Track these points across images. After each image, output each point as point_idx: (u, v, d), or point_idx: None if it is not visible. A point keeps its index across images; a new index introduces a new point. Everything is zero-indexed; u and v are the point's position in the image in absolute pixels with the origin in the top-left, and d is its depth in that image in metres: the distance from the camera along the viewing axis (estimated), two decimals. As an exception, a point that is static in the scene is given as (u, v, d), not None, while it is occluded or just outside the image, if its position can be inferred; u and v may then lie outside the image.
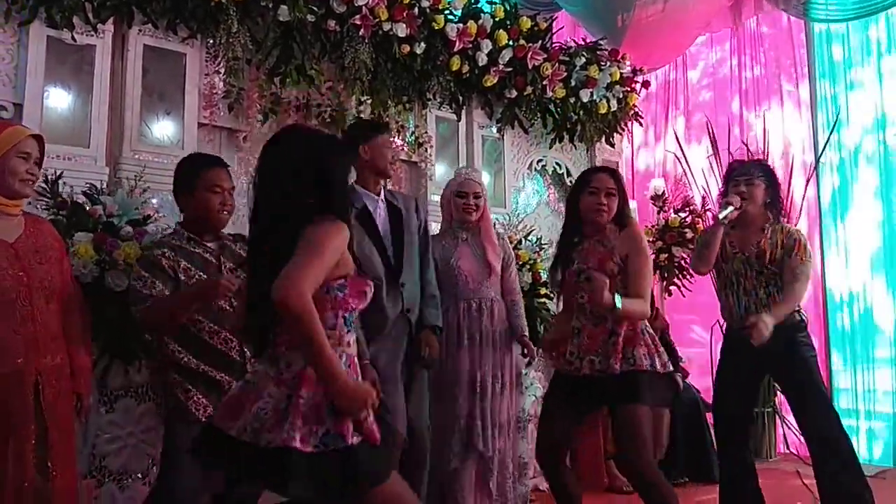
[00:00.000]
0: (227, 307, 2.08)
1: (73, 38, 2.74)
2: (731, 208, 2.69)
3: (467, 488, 2.75)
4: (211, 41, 3.09)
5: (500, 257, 2.96)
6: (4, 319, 1.82)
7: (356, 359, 1.68)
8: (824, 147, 4.49)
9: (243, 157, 3.35)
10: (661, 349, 2.36)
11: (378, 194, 2.68)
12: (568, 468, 2.51)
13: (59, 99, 2.76)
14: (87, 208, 2.51)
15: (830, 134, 4.48)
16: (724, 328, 2.95)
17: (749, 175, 2.80)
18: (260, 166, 1.67)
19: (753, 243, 2.74)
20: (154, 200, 2.78)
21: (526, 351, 2.92)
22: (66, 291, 1.99)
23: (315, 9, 3.18)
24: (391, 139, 2.77)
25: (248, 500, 2.09)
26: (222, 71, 3.13)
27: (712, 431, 4.19)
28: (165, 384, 2.11)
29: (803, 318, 2.73)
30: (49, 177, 2.45)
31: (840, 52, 4.62)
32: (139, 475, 2.49)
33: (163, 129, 3.00)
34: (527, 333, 2.98)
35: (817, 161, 4.52)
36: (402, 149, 3.74)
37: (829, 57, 4.68)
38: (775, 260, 2.70)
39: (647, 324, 2.37)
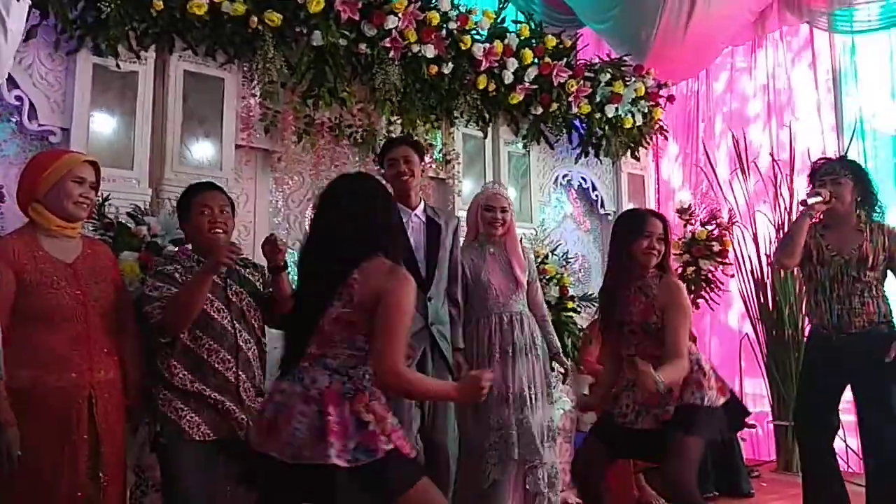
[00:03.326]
0: (229, 327, 2.14)
1: (117, 65, 2.86)
2: (819, 198, 2.63)
3: (508, 500, 2.78)
4: (247, 66, 3.21)
5: (526, 271, 3.01)
6: (62, 336, 1.92)
7: None
8: (844, 156, 4.47)
9: (279, 178, 3.47)
10: (711, 380, 2.36)
11: (412, 207, 2.77)
12: (604, 485, 2.55)
13: (104, 123, 2.89)
14: (132, 228, 2.63)
15: (849, 145, 4.48)
16: (808, 334, 2.94)
17: (835, 173, 2.72)
18: (329, 208, 1.80)
19: (854, 245, 2.66)
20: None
21: (562, 369, 2.99)
22: (120, 310, 2.09)
23: (347, 33, 3.29)
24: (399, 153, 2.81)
25: None
26: (258, 94, 3.25)
27: (742, 445, 4.23)
28: (155, 405, 2.12)
29: None
30: (96, 199, 2.57)
31: (864, 62, 4.62)
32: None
33: (202, 150, 3.12)
34: (560, 350, 3.05)
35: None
36: (430, 166, 3.84)
37: (853, 68, 4.68)
38: (877, 265, 2.64)
39: (695, 353, 2.39)
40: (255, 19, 3.03)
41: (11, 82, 2.71)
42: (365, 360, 1.70)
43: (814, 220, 2.72)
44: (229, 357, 2.13)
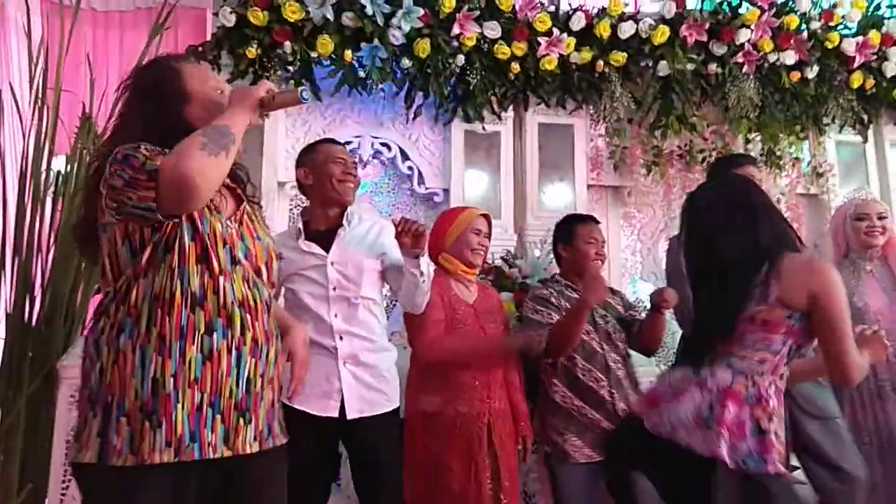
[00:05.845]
0: (598, 347, 2.27)
1: (483, 128, 3.23)
2: None
3: None
4: (593, 108, 3.33)
5: None
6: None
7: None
8: None
9: (628, 212, 3.49)
10: None
11: None
12: None
13: (475, 181, 3.27)
14: (506, 272, 2.88)
15: None
16: None
17: None
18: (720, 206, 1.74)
19: None
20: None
21: None
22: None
23: (694, 56, 3.19)
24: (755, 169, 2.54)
25: None
26: (605, 133, 3.34)
27: None
28: (543, 429, 2.29)
29: None
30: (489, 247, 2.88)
31: None
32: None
33: (557, 194, 3.31)
34: None
35: None
36: (798, 182, 3.45)
37: None
38: None
39: None
40: (601, 63, 3.14)
41: (404, 155, 3.26)
42: (775, 368, 1.58)
43: None
44: (601, 376, 2.26)
